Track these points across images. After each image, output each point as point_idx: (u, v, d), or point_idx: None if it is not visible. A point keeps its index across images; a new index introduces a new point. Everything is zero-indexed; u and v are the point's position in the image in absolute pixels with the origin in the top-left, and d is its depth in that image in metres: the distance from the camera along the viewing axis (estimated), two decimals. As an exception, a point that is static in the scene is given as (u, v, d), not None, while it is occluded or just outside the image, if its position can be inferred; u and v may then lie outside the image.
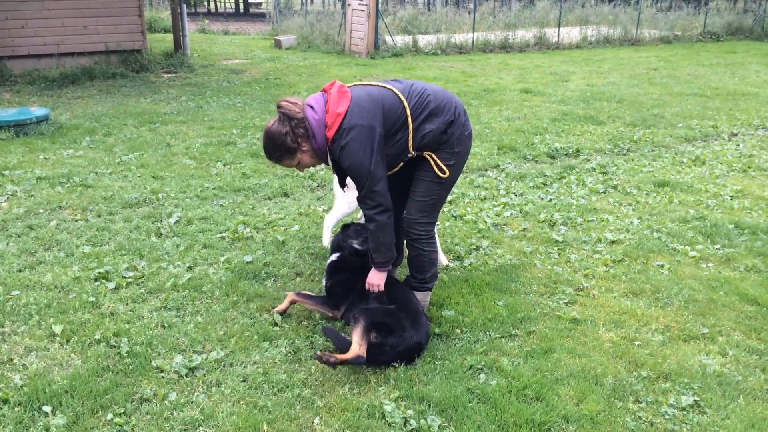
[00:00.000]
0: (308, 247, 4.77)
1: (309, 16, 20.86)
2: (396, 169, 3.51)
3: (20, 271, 4.21)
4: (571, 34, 19.94)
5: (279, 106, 3.31)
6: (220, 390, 3.09)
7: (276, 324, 3.68)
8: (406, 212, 3.63)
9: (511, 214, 5.52)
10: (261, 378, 3.17)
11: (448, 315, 3.77)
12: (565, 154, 7.44)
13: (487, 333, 3.64)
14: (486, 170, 6.84)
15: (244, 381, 3.16)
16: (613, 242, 4.94)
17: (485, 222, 5.29)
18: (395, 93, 3.38)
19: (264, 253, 4.63)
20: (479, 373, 3.26)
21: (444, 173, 3.46)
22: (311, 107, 3.30)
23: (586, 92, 11.32)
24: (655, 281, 4.30)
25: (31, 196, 5.60)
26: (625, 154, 7.51)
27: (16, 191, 5.70)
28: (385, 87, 3.42)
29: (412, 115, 3.35)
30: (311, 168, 6.55)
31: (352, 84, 3.46)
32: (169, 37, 16.38)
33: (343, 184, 3.63)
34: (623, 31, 20.27)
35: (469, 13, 21.57)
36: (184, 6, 14.50)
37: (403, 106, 3.35)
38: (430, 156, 3.45)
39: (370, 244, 3.47)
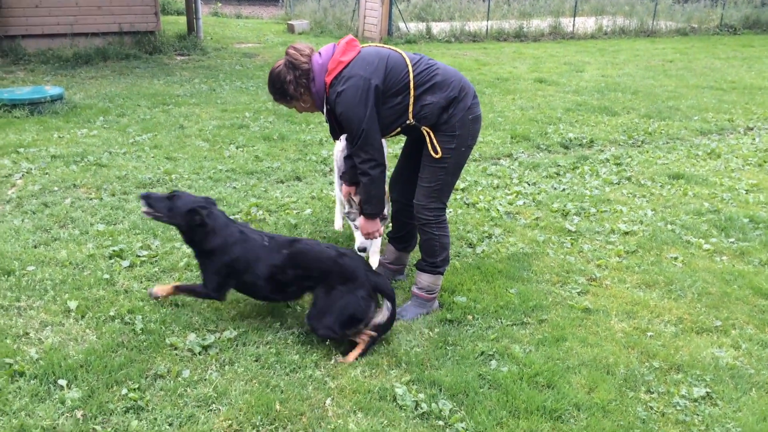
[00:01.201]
0: (320, 230, 4.78)
1: (322, 1, 20.74)
2: (394, 133, 3.53)
3: (35, 247, 4.24)
4: (586, 24, 19.76)
5: (287, 53, 3.39)
6: (233, 368, 3.11)
7: (288, 306, 3.69)
8: (415, 198, 3.63)
9: (524, 203, 5.50)
10: (273, 358, 3.19)
11: (460, 301, 3.78)
12: (579, 145, 7.40)
13: (499, 320, 3.64)
14: (499, 159, 6.82)
15: (256, 360, 3.18)
16: (626, 233, 4.92)
17: (498, 210, 5.28)
18: (403, 57, 3.43)
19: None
20: (490, 360, 3.27)
21: (437, 153, 3.45)
22: (320, 54, 3.39)
23: (601, 83, 11.23)
24: (668, 273, 4.28)
25: (46, 174, 5.63)
26: (639, 146, 7.46)
27: (31, 169, 5.73)
28: (395, 50, 3.48)
29: (415, 81, 3.37)
30: (323, 152, 6.56)
31: (367, 44, 3.50)
32: (182, 19, 16.36)
33: (336, 135, 3.60)
34: (639, 22, 20.06)
35: (484, 0, 21.41)
36: (198, -11, 14.44)
37: (408, 70, 3.38)
38: (428, 133, 3.44)
39: (362, 196, 3.55)
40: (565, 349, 3.38)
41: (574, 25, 19.24)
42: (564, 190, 5.85)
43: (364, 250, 3.91)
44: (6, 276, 3.82)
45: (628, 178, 6.23)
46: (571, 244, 4.71)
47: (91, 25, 12.44)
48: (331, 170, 6.20)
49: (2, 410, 2.73)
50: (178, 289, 3.57)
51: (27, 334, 3.28)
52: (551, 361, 3.26)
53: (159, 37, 13.13)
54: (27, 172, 5.65)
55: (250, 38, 16.30)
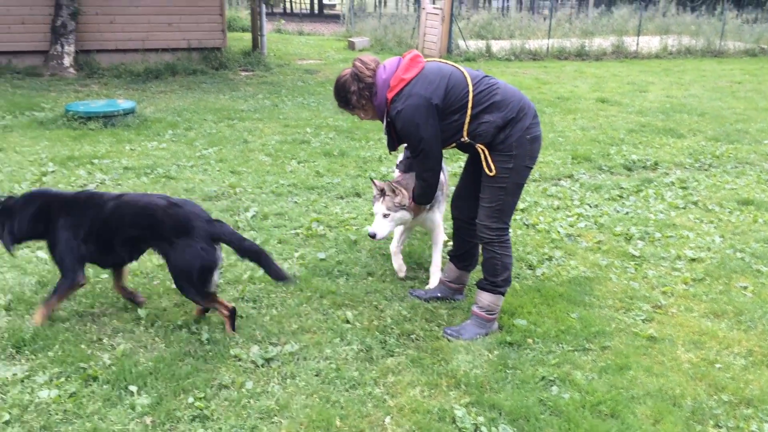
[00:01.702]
0: (380, 247, 4.82)
1: (383, 18, 21.00)
2: (447, 148, 3.61)
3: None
4: (650, 43, 19.39)
5: (354, 64, 3.51)
6: (294, 382, 3.16)
7: (348, 321, 3.73)
8: (477, 217, 3.64)
9: (586, 225, 5.42)
10: (333, 374, 3.23)
11: (520, 324, 3.74)
12: (643, 167, 7.25)
13: (560, 345, 3.60)
14: (559, 179, 6.74)
15: (317, 375, 3.23)
16: (693, 260, 4.79)
17: (558, 232, 5.22)
18: (465, 76, 3.47)
19: (337, 251, 4.71)
20: (551, 385, 3.23)
21: (491, 171, 3.46)
22: (384, 67, 3.49)
23: (666, 104, 10.99)
24: (737, 303, 4.14)
25: (119, 184, 5.87)
26: (706, 170, 7.26)
27: (105, 179, 5.98)
28: (458, 67, 3.53)
29: (473, 100, 3.41)
30: (382, 168, 6.62)
31: (431, 59, 3.56)
32: (247, 36, 16.84)
33: (392, 147, 3.68)
34: (706, 42, 19.57)
35: (545, 19, 21.28)
36: (263, 6, 14.85)
37: (468, 90, 3.42)
38: (482, 150, 3.46)
39: (417, 191, 3.80)
40: (630, 378, 3.31)
41: (637, 44, 18.90)
42: (627, 213, 5.74)
43: (373, 236, 3.93)
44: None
45: (695, 203, 6.07)
46: (635, 269, 4.62)
47: (161, 41, 12.95)
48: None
49: (77, 413, 2.85)
50: (47, 304, 3.52)
51: (100, 340, 3.42)
52: (615, 389, 3.20)
53: (225, 53, 13.56)
54: (101, 183, 5.90)
55: (311, 55, 16.63)
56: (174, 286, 3.47)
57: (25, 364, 3.18)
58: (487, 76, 3.55)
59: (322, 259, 4.54)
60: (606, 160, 7.41)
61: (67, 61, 11.77)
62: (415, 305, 3.94)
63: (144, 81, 11.58)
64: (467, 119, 3.41)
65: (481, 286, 3.73)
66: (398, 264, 4.34)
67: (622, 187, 6.44)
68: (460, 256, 4.03)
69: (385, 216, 3.92)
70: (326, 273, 4.34)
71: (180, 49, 13.10)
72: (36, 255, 4.37)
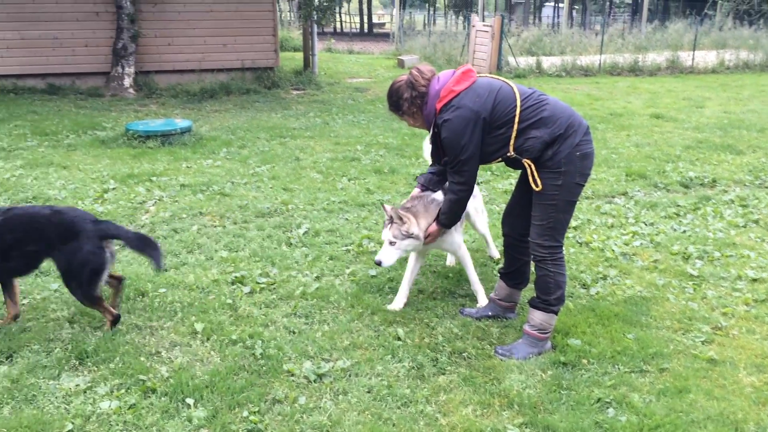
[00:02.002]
0: (431, 264, 4.82)
1: (432, 36, 21.11)
2: (493, 162, 3.62)
3: (166, 270, 4.54)
4: (706, 58, 18.93)
5: (411, 72, 3.60)
6: (346, 398, 3.18)
7: (399, 338, 3.74)
8: (530, 236, 3.61)
9: (641, 243, 5.31)
10: (385, 391, 3.24)
11: (574, 344, 3.68)
12: (700, 184, 7.06)
13: (616, 366, 3.52)
14: (613, 197, 6.62)
15: (369, 392, 3.24)
16: (754, 280, 4.63)
17: (613, 251, 5.12)
18: (514, 91, 3.49)
19: (387, 268, 4.72)
20: (607, 407, 3.16)
21: (537, 186, 3.45)
22: (438, 78, 3.56)
23: (723, 119, 10.70)
24: (803, 325, 3.98)
25: (176, 201, 6.04)
26: (767, 187, 7.02)
27: (163, 196, 6.17)
28: (507, 83, 3.55)
29: (521, 115, 3.41)
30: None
31: (482, 74, 3.60)
32: (299, 55, 17.16)
33: (438, 159, 3.75)
34: (765, 57, 18.98)
35: (597, 34, 21.03)
36: (315, 27, 15.12)
37: (515, 104, 3.43)
38: (529, 165, 3.44)
39: (444, 208, 3.75)
40: (689, 402, 3.21)
41: (693, 58, 18.49)
42: (685, 231, 5.59)
43: (379, 263, 3.85)
44: (141, 297, 4.12)
45: (756, 221, 5.87)
46: (694, 289, 4.49)
47: (216, 61, 13.32)
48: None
49: (136, 424, 2.93)
50: None
51: (159, 353, 3.51)
52: (674, 413, 3.11)
53: (277, 73, 13.85)
54: (159, 200, 6.09)
55: (361, 73, 16.83)
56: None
57: (87, 375, 3.29)
58: (536, 91, 3.55)
59: (372, 276, 4.57)
60: (662, 177, 7.25)
61: (127, 81, 12.21)
62: (466, 323, 3.92)
63: (200, 100, 11.91)
64: (513, 133, 3.42)
65: (534, 304, 3.69)
66: (402, 295, 4.15)
67: (679, 205, 6.28)
68: (511, 273, 4.00)
69: (392, 243, 3.84)
70: (377, 290, 4.37)
71: (234, 69, 13.44)
72: (98, 269, 4.52)
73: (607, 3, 43.80)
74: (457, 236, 4.15)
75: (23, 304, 4.00)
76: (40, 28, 12.15)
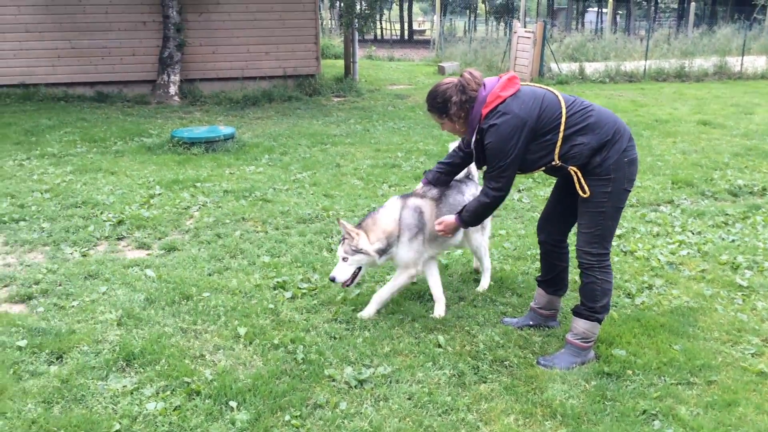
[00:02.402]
0: (471, 272, 4.79)
1: (473, 42, 21.05)
2: (536, 171, 3.55)
3: (210, 275, 4.62)
4: (756, 63, 18.41)
5: (463, 76, 3.53)
6: (387, 405, 3.18)
7: (440, 346, 3.73)
8: (577, 244, 3.56)
9: (688, 253, 5.19)
10: (426, 398, 3.23)
11: (619, 354, 3.61)
12: (750, 193, 6.87)
13: (662, 378, 3.44)
14: (659, 205, 6.49)
15: (409, 399, 3.23)
16: (808, 292, 4.48)
17: (658, 260, 5.02)
18: (558, 99, 3.46)
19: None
20: (653, 419, 3.09)
21: (584, 193, 3.40)
22: (484, 84, 3.50)
23: (774, 126, 10.39)
24: None
25: (219, 207, 6.14)
26: (821, 196, 6.80)
27: (206, 202, 6.28)
28: (551, 91, 3.52)
29: (567, 122, 3.37)
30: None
31: (525, 83, 3.56)
32: (340, 62, 17.29)
33: (479, 165, 3.68)
34: (818, 61, 18.39)
35: (642, 40, 20.68)
36: (356, 34, 15.23)
37: (561, 112, 3.39)
38: (575, 172, 3.40)
39: (471, 206, 3.67)
40: (738, 416, 3.12)
41: (741, 64, 18.01)
42: (733, 241, 5.44)
43: (332, 280, 3.93)
44: (185, 300, 4.20)
45: (810, 231, 5.68)
46: (743, 300, 4.37)
47: (259, 69, 13.52)
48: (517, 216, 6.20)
49: (181, 426, 2.98)
50: None
51: (203, 356, 3.57)
52: (722, 426, 3.03)
53: (318, 80, 13.97)
54: (203, 205, 6.20)
55: (401, 80, 16.87)
56: None
57: (134, 376, 3.36)
58: (582, 99, 3.51)
59: (413, 283, 4.56)
60: (709, 185, 7.08)
61: (173, 89, 12.47)
62: (507, 332, 3.89)
63: (242, 107, 12.09)
64: (559, 141, 3.38)
65: (578, 312, 3.63)
66: (440, 301, 4.14)
67: (727, 214, 6.12)
68: (549, 281, 3.95)
69: (344, 259, 3.89)
70: (417, 297, 4.36)
71: (276, 77, 13.62)
72: (145, 273, 4.63)
73: (652, 8, 43.04)
74: (407, 250, 3.99)
75: (73, 306, 4.11)
76: (89, 37, 12.52)
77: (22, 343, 3.61)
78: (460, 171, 4.12)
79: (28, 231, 5.43)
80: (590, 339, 3.59)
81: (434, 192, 4.07)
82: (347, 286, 4.01)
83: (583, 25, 41.37)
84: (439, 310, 4.12)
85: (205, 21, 13.06)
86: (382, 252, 3.94)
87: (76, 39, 12.45)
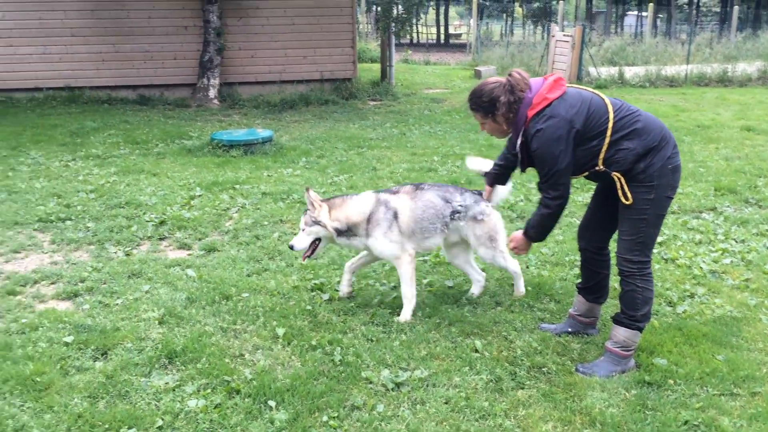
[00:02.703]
0: (508, 277, 4.76)
1: (510, 46, 20.93)
2: (579, 176, 3.50)
3: (249, 276, 4.68)
4: (802, 67, 17.91)
5: (512, 75, 3.45)
6: (424, 408, 3.19)
7: (477, 350, 3.72)
8: (617, 251, 3.52)
9: (731, 261, 5.08)
10: (463, 402, 3.22)
11: (660, 363, 3.56)
12: (796, 200, 6.70)
13: (704, 388, 3.38)
14: (701, 212, 6.37)
15: (446, 403, 3.24)
16: None
17: (701, 268, 4.92)
18: (605, 102, 3.40)
19: (464, 279, 4.71)
20: (695, 430, 3.04)
21: (627, 200, 3.35)
22: (530, 87, 3.43)
23: (822, 132, 10.11)
24: None
25: (258, 209, 6.23)
26: None
27: (245, 204, 6.37)
28: (598, 94, 3.46)
29: (613, 127, 3.32)
30: (510, 198, 6.57)
31: (570, 84, 3.51)
32: (376, 66, 17.35)
33: (523, 168, 3.63)
34: None
35: (683, 44, 20.32)
36: (393, 38, 15.27)
37: (608, 116, 3.34)
38: (618, 178, 3.35)
39: (533, 221, 3.58)
40: (784, 429, 3.05)
41: (788, 68, 17.53)
42: (779, 250, 5.32)
43: (291, 247, 4.09)
44: (225, 300, 4.27)
45: None
46: (789, 311, 4.26)
47: (296, 73, 13.65)
48: (518, 216, 6.18)
49: (222, 423, 3.03)
50: None
51: (242, 355, 3.62)
52: (767, 440, 2.96)
53: (355, 84, 14.04)
54: (242, 207, 6.29)
55: (437, 84, 16.85)
56: None
57: (176, 374, 3.43)
58: (626, 103, 3.46)
59: (450, 287, 4.57)
60: (753, 192, 6.92)
61: (212, 93, 12.67)
62: (545, 338, 3.86)
63: (280, 111, 12.22)
64: (605, 146, 3.33)
65: (618, 320, 3.59)
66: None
67: (772, 222, 5.98)
68: (590, 288, 3.91)
69: (303, 229, 4.06)
70: (454, 301, 4.36)
71: (313, 81, 13.73)
72: (186, 273, 4.72)
73: (694, 11, 42.23)
74: (389, 245, 4.07)
75: (117, 304, 4.21)
76: (133, 42, 12.80)
77: (69, 339, 3.72)
78: (513, 171, 4.00)
79: (74, 230, 5.58)
80: (630, 347, 3.55)
81: (407, 188, 4.20)
82: (306, 258, 4.17)
83: (622, 28, 40.81)
84: (406, 311, 4.13)
85: (245, 25, 13.24)
86: (339, 232, 4.06)
87: (119, 43, 12.74)
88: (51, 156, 8.22)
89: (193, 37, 12.90)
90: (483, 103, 3.51)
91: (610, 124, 3.32)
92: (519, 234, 3.71)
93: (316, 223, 4.02)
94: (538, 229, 3.60)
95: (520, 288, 4.46)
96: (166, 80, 13.04)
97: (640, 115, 3.38)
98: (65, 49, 12.53)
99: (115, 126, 10.24)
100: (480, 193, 4.29)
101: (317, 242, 4.11)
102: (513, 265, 4.39)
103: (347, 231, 4.07)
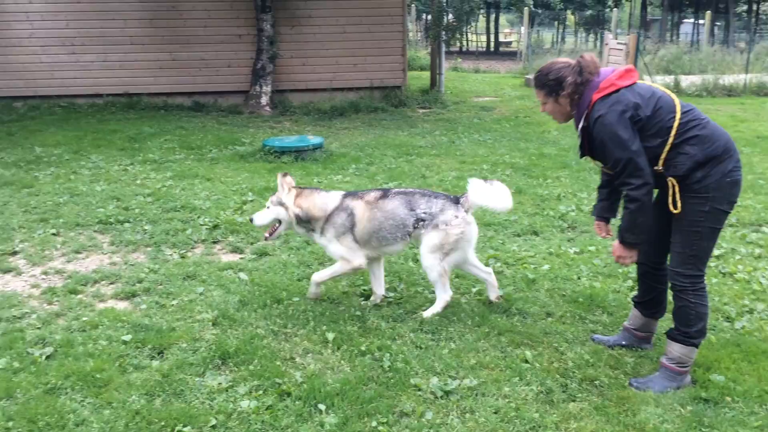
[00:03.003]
0: (559, 288, 4.71)
1: (561, 54, 20.66)
2: None
3: (299, 280, 4.75)
4: None
5: (583, 57, 3.35)
6: (473, 417, 3.17)
7: (527, 361, 3.68)
8: (669, 264, 3.44)
9: (793, 277, 4.91)
10: (513, 413, 3.20)
11: (717, 380, 3.46)
12: None
13: (763, 406, 3.28)
14: (760, 225, 6.17)
15: (496, 413, 3.21)
16: None
17: (760, 283, 4.77)
18: (674, 102, 3.30)
19: (514, 288, 4.68)
20: (755, 450, 2.95)
21: (675, 208, 3.27)
22: (598, 73, 3.33)
23: None
24: None
25: (308, 214, 6.30)
26: None
27: (296, 209, 6.45)
28: (667, 92, 3.36)
29: (678, 128, 3.22)
30: (560, 207, 6.48)
31: (643, 81, 3.43)
32: (425, 74, 17.37)
33: (582, 153, 3.50)
34: None
35: (742, 52, 19.73)
36: (443, 46, 15.28)
37: (674, 115, 3.25)
38: (673, 185, 3.27)
39: (624, 224, 3.35)
40: None
41: None
42: None
43: (251, 221, 4.40)
44: (276, 304, 4.34)
45: None
46: None
47: (346, 80, 13.78)
48: (569, 226, 6.10)
49: (273, 425, 3.08)
50: None
51: (293, 358, 3.67)
52: (832, 463, 2.85)
53: (404, 92, 14.09)
54: (293, 212, 6.37)
55: (487, 92, 16.77)
56: None
57: (229, 375, 3.50)
58: (696, 108, 3.36)
59: (499, 296, 4.53)
60: (817, 205, 6.67)
61: (264, 100, 12.90)
62: (598, 350, 3.80)
63: (330, 118, 12.35)
64: (668, 146, 3.24)
65: (672, 336, 3.51)
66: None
67: (838, 237, 5.75)
68: (647, 302, 3.83)
69: (268, 207, 4.29)
70: (503, 310, 4.33)
71: (363, 88, 13.84)
72: (238, 276, 4.81)
73: (753, 19, 40.97)
74: (336, 246, 4.25)
75: (172, 305, 4.33)
76: (189, 50, 13.14)
77: (127, 337, 3.84)
78: (619, 197, 3.71)
79: (132, 232, 5.76)
80: (686, 364, 3.46)
81: (371, 195, 4.26)
82: (266, 239, 4.42)
83: (678, 36, 39.86)
84: (372, 301, 4.38)
85: (297, 34, 13.44)
86: (298, 219, 4.24)
87: (176, 51, 13.10)
88: (110, 160, 8.50)
89: (246, 45, 13.16)
90: (549, 81, 3.41)
91: (676, 124, 3.23)
92: (615, 244, 3.49)
93: (280, 204, 4.25)
94: (632, 230, 3.34)
95: (430, 312, 4.22)
96: (219, 87, 13.34)
97: (708, 123, 3.30)
98: (124, 56, 12.94)
99: (171, 132, 10.52)
100: (457, 200, 4.26)
101: (278, 225, 4.32)
102: (441, 289, 4.22)
103: (307, 222, 4.27)
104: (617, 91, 3.25)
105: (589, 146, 3.42)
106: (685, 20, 45.23)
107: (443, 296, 4.24)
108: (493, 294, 4.42)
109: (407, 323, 4.12)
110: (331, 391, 3.32)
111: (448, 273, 4.23)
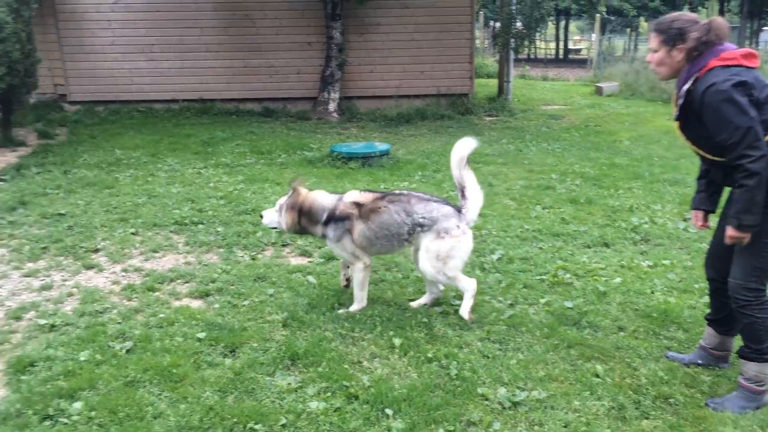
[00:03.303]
0: (631, 302, 4.59)
1: (634, 62, 20.15)
2: (719, 158, 3.21)
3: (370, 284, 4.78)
4: None
5: (714, 20, 3.22)
6: (542, 430, 3.13)
7: (598, 375, 3.61)
8: (731, 275, 3.30)
9: None
10: (583, 428, 3.14)
11: (801, 403, 3.31)
12: None
13: None
14: None
15: (565, 427, 3.16)
16: None
17: None
18: None
19: (584, 301, 4.59)
20: (843, 480, 2.80)
21: None
22: (724, 42, 3.20)
23: None
24: None
25: (375, 220, 6.35)
26: None
27: (363, 215, 6.52)
28: None
29: None
30: (632, 219, 6.32)
31: None
32: (492, 82, 17.26)
33: (678, 116, 3.31)
34: None
35: (829, 60, 18.74)
36: (511, 54, 15.15)
37: None
38: None
39: (741, 205, 3.08)
40: None
41: None
42: None
43: (262, 216, 4.57)
44: (344, 308, 4.39)
45: None
46: None
47: (413, 88, 13.84)
48: (642, 239, 5.94)
49: (341, 427, 3.12)
50: None
51: (360, 362, 3.71)
52: None
53: (471, 99, 14.04)
54: (360, 218, 6.44)
55: (556, 100, 16.52)
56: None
57: (298, 375, 3.57)
58: None
59: (568, 308, 4.46)
60: None
61: (332, 106, 13.09)
62: (672, 368, 3.68)
63: (396, 125, 12.42)
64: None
65: (744, 354, 3.38)
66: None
67: None
68: (720, 320, 3.69)
69: (277, 210, 4.43)
70: (573, 323, 4.25)
71: (430, 96, 13.86)
72: (307, 279, 4.90)
73: (842, 24, 38.91)
74: (349, 248, 4.30)
75: (244, 305, 4.44)
76: (260, 57, 13.48)
77: (201, 335, 3.96)
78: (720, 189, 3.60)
79: (205, 233, 5.94)
80: (763, 382, 3.32)
81: (370, 203, 4.27)
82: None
83: (757, 44, 38.26)
84: (353, 308, 4.37)
85: (365, 41, 13.60)
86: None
87: (248, 58, 13.46)
88: (185, 163, 8.80)
89: (315, 53, 13.40)
90: (671, 29, 3.25)
91: None
92: (729, 232, 3.20)
93: (281, 209, 4.42)
94: (751, 209, 3.07)
95: (464, 308, 4.26)
96: (288, 93, 13.61)
97: None
98: (200, 63, 13.38)
99: (242, 136, 10.79)
100: (459, 209, 4.27)
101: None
102: (465, 283, 4.27)
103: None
104: (738, 65, 3.12)
105: (688, 111, 3.23)
106: (765, 28, 43.35)
107: (468, 289, 4.27)
108: (424, 302, 4.50)
109: (474, 332, 4.10)
110: (398, 396, 3.33)
111: (456, 273, 4.24)
